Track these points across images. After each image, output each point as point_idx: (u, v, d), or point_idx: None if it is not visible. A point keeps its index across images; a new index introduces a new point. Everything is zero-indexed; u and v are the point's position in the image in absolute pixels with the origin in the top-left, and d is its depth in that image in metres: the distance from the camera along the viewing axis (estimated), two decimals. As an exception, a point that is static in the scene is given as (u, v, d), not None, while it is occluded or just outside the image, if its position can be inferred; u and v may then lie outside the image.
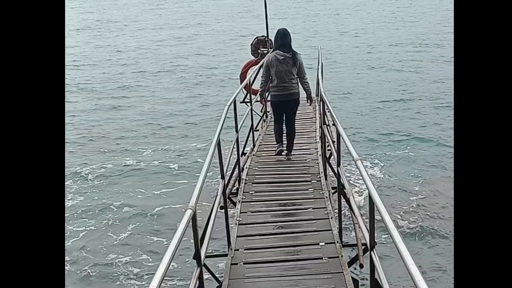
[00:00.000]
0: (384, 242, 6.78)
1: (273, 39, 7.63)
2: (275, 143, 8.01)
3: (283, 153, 7.76)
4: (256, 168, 7.46)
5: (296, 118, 7.89)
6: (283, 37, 7.17)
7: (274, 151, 7.98)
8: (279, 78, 7.18)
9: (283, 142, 7.82)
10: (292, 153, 7.79)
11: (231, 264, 4.75)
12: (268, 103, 10.73)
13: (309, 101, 7.68)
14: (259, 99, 9.69)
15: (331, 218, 5.59)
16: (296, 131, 7.93)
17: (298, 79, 7.31)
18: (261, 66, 8.43)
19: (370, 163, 11.23)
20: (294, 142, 7.88)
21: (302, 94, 7.62)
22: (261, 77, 7.55)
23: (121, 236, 8.55)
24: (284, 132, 7.79)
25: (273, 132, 7.98)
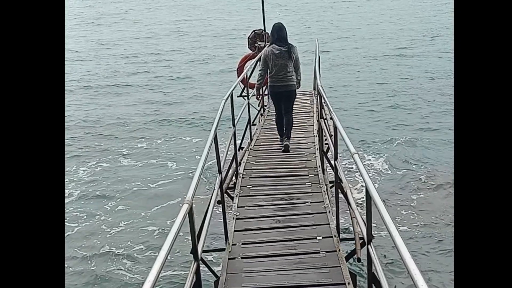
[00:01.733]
0: (384, 236, 6.77)
1: (269, 33, 7.85)
2: (273, 137, 8.34)
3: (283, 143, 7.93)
4: (254, 162, 7.46)
5: (293, 112, 8.10)
6: (279, 31, 7.42)
7: (271, 145, 8.20)
8: (276, 71, 7.45)
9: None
10: (290, 143, 7.92)
11: (229, 258, 4.75)
12: (266, 97, 10.83)
13: (297, 83, 7.81)
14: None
15: (329, 212, 5.59)
16: (294, 125, 8.20)
17: (294, 71, 7.53)
18: (259, 59, 8.54)
19: (370, 156, 11.20)
20: (292, 136, 8.08)
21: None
22: (259, 70, 7.80)
23: (117, 230, 8.52)
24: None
25: (271, 126, 8.13)
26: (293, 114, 7.98)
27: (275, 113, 8.14)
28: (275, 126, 8.26)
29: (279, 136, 8.08)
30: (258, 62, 8.80)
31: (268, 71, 7.54)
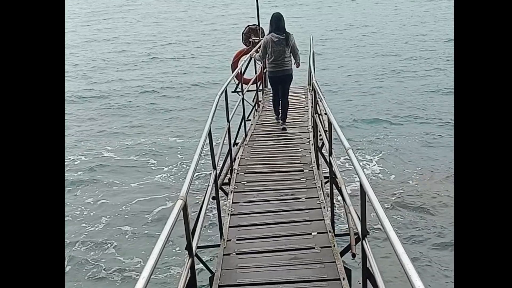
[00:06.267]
0: (379, 231, 6.78)
1: (268, 21, 8.33)
2: (267, 132, 8.71)
3: (279, 122, 8.69)
4: (248, 158, 7.45)
5: (288, 108, 8.74)
6: (277, 21, 8.11)
7: (266, 141, 8.32)
8: (275, 57, 8.18)
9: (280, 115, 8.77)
10: (285, 137, 8.32)
11: (224, 254, 4.74)
12: (260, 93, 10.84)
13: (296, 64, 8.53)
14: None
15: (324, 207, 5.59)
16: (288, 121, 8.78)
17: (291, 56, 8.28)
18: (258, 48, 9.31)
19: (366, 152, 11.20)
20: (287, 132, 8.54)
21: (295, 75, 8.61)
22: (259, 53, 8.65)
23: (111, 227, 8.49)
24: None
25: (265, 122, 8.72)
26: (288, 98, 8.70)
27: (272, 94, 8.90)
28: (270, 122, 8.65)
29: (275, 114, 8.88)
30: (254, 56, 9.21)
31: (267, 57, 8.25)
